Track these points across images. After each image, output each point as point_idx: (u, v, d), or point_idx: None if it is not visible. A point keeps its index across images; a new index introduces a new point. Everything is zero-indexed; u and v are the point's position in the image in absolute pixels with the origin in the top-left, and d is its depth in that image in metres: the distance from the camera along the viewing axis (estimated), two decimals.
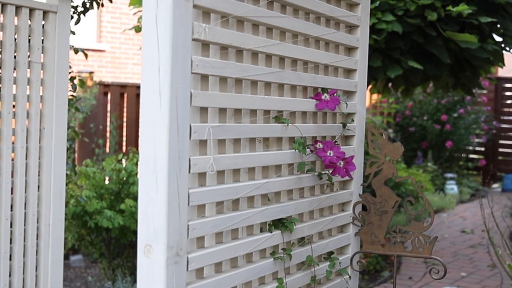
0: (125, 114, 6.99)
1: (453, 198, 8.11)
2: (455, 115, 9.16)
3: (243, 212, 1.96)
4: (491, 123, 9.45)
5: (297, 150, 2.15)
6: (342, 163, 2.22)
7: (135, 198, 4.29)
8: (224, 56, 1.91)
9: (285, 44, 2.11)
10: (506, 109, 9.80)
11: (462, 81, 5.16)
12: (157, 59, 1.65)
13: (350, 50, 2.53)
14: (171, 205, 1.66)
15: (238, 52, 1.96)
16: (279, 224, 2.13)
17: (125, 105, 6.97)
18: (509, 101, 9.77)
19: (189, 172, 1.73)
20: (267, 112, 2.10)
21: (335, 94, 2.29)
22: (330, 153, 2.20)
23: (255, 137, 2.01)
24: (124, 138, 7.02)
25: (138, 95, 7.12)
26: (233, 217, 1.91)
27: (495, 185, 9.79)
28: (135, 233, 4.33)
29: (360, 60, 2.53)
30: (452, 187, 8.67)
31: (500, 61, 4.90)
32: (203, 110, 1.83)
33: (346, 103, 2.40)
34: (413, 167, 8.84)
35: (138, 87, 7.17)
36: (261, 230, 2.09)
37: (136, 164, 4.45)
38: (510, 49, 4.76)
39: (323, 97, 2.28)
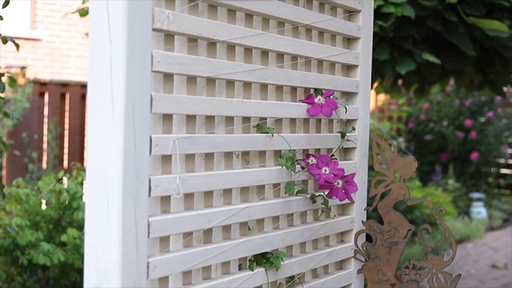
0: (67, 120, 6.98)
1: (480, 224, 8.20)
2: (483, 119, 9.26)
3: (217, 245, 1.98)
4: None
5: (284, 167, 2.18)
6: (340, 182, 2.25)
7: (80, 227, 4.29)
8: (193, 50, 1.93)
9: (268, 34, 2.14)
10: None
11: (490, 77, 5.23)
12: (109, 54, 1.67)
13: (350, 41, 2.56)
14: (127, 237, 1.68)
15: (210, 45, 1.98)
16: (263, 259, 2.15)
17: (67, 108, 6.96)
18: None
19: (149, 195, 1.75)
20: (246, 119, 2.12)
21: (331, 96, 2.33)
22: (325, 170, 2.23)
23: (232, 150, 2.04)
24: (66, 151, 7.01)
25: (83, 96, 7.12)
26: (204, 251, 1.93)
27: None
28: (80, 272, 4.31)
29: (363, 54, 2.57)
30: (479, 211, 8.75)
31: None
32: (167, 117, 1.85)
33: (346, 108, 2.44)
34: (430, 185, 8.92)
35: (83, 85, 7.17)
36: (240, 268, 2.11)
37: (82, 184, 4.44)
38: None
39: (316, 100, 2.31)
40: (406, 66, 4.53)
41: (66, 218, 4.34)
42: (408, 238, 2.53)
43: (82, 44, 10.24)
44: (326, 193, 2.30)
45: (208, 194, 2.00)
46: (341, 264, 2.58)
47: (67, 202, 4.31)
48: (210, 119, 2.00)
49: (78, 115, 6.99)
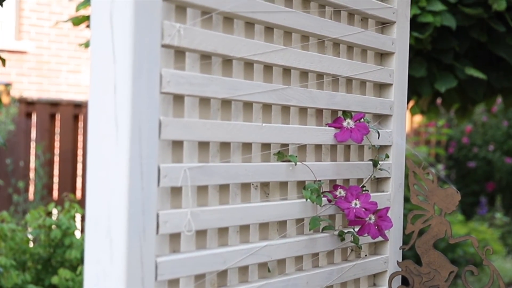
0: (57, 145, 7.05)
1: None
2: None
3: None
4: None
5: (309, 200, 2.21)
6: (373, 217, 2.28)
7: (73, 267, 4.33)
8: (206, 68, 1.98)
9: (291, 49, 2.18)
10: None
11: None
12: (113, 74, 1.72)
13: (382, 56, 2.61)
14: (132, 281, 1.71)
15: (225, 63, 2.03)
16: None
17: (57, 131, 7.03)
18: None
19: (157, 232, 1.79)
20: (266, 146, 2.16)
21: (362, 120, 2.36)
22: (355, 204, 2.26)
23: (250, 181, 2.07)
24: (56, 180, 7.07)
25: (76, 117, 7.19)
26: None
27: None
28: None
29: (398, 70, 2.61)
30: None
31: None
32: (177, 144, 1.89)
33: (378, 132, 2.47)
34: (474, 219, 8.92)
35: (76, 105, 7.25)
36: None
37: (74, 218, 4.49)
38: None
39: (345, 124, 2.35)
40: (447, 83, 4.57)
41: (57, 257, 4.39)
42: (450, 282, 2.55)
43: (75, 58, 10.34)
44: (356, 230, 2.33)
45: (223, 231, 2.04)
46: None
47: (58, 239, 4.36)
48: (225, 146, 2.04)
49: (70, 139, 7.06)
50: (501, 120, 9.42)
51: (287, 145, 2.21)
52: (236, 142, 2.04)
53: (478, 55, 4.82)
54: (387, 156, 2.55)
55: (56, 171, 7.10)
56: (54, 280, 4.17)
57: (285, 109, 2.24)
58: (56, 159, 7.05)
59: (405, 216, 2.69)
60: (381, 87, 2.62)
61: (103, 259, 1.72)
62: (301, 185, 2.28)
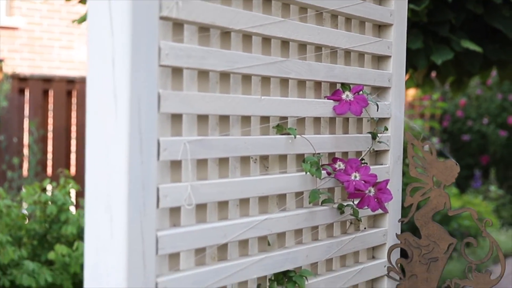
0: (50, 121, 7.03)
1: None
2: None
3: (233, 262, 2.00)
4: None
5: (308, 173, 2.20)
6: (372, 190, 2.28)
7: (69, 243, 4.32)
8: (205, 40, 1.96)
9: (290, 21, 2.16)
10: None
11: None
12: (111, 47, 1.70)
13: (380, 28, 2.59)
14: (133, 255, 1.70)
15: (223, 35, 2.01)
16: (284, 278, 2.17)
17: (50, 107, 7.00)
18: None
19: (158, 206, 1.78)
20: (265, 119, 2.15)
21: (360, 92, 2.35)
22: (355, 177, 2.25)
23: (250, 155, 2.06)
24: (50, 156, 7.05)
25: (69, 93, 7.16)
26: (219, 270, 1.95)
27: None
28: None
29: (396, 43, 2.60)
30: None
31: None
32: (176, 118, 1.88)
33: (377, 105, 2.46)
34: (468, 192, 8.93)
35: (69, 81, 7.21)
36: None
37: (69, 193, 4.48)
38: None
39: (344, 96, 2.33)
40: (443, 55, 4.55)
41: (53, 233, 4.37)
42: (450, 254, 2.56)
43: (67, 33, 10.29)
44: (356, 202, 2.32)
45: (223, 205, 2.03)
46: (372, 283, 2.60)
47: (54, 215, 4.34)
48: (224, 119, 2.02)
49: (64, 115, 7.04)
50: (495, 93, 9.42)
51: (285, 118, 2.20)
52: (235, 115, 2.03)
53: (474, 27, 4.80)
54: (386, 129, 2.54)
55: (50, 148, 7.08)
56: (51, 255, 4.16)
57: (284, 82, 2.22)
58: (50, 135, 7.03)
59: (403, 189, 2.69)
60: (379, 60, 2.60)
61: (103, 234, 1.71)
62: (300, 158, 2.27)
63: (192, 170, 1.91)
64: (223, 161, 2.03)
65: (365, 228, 2.54)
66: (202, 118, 1.96)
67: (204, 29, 1.95)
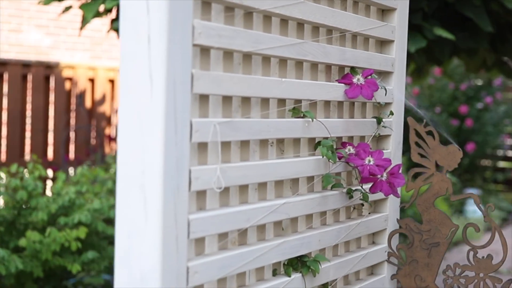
0: (5, 105, 6.89)
1: (477, 224, 8.30)
2: (480, 106, 9.40)
3: (255, 247, 1.97)
4: None
5: (321, 157, 2.18)
6: (384, 175, 2.27)
7: (39, 230, 4.24)
8: (229, 20, 1.92)
9: (307, 3, 2.13)
10: None
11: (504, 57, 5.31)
12: (146, 25, 1.65)
13: (384, 12, 2.58)
14: (167, 239, 1.67)
15: (246, 16, 1.97)
16: (298, 264, 2.15)
17: (5, 91, 6.86)
18: None
19: (189, 189, 1.74)
20: (282, 102, 2.12)
21: (371, 76, 2.34)
22: (369, 161, 2.24)
23: (271, 138, 2.03)
24: (4, 142, 6.92)
25: (24, 77, 7.03)
26: (243, 254, 1.93)
27: None
28: (38, 282, 4.27)
29: (399, 27, 2.59)
30: (475, 209, 8.88)
31: None
32: (203, 99, 1.84)
33: (385, 89, 2.45)
34: (417, 179, 9.01)
35: (24, 65, 7.08)
36: (275, 273, 2.11)
37: (40, 178, 4.39)
38: None
39: (355, 80, 2.32)
40: (416, 43, 4.56)
41: (22, 220, 4.29)
42: (451, 239, 2.56)
43: (16, 16, 10.08)
44: (365, 187, 2.31)
45: (243, 189, 2.00)
46: (372, 269, 2.60)
47: (24, 201, 4.26)
48: (245, 101, 1.99)
49: (19, 99, 6.90)
50: (447, 82, 9.52)
51: (300, 101, 2.17)
52: (258, 97, 2.00)
53: (445, 15, 4.83)
54: (392, 113, 2.53)
55: (3, 133, 6.94)
56: (22, 242, 4.07)
57: (299, 64, 2.20)
58: (4, 120, 6.88)
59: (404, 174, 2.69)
60: (382, 44, 2.59)
61: (137, 217, 1.67)
62: (312, 142, 2.25)
63: (225, 152, 1.88)
64: (244, 144, 2.00)
65: (369, 213, 2.53)
66: (226, 100, 1.92)
67: (229, 9, 1.92)
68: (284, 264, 2.14)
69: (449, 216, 2.56)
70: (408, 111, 2.68)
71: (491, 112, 9.45)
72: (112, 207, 4.30)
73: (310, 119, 2.14)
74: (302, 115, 2.14)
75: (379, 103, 2.49)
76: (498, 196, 9.58)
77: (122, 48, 1.69)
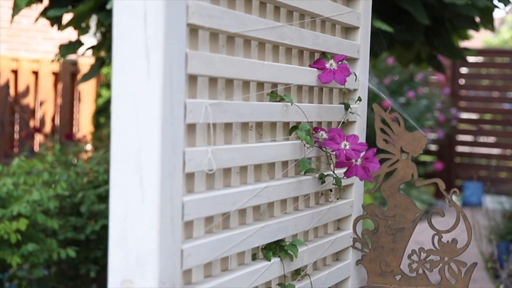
0: None
1: None
2: (402, 100, 9.54)
3: (239, 231, 1.96)
4: (448, 112, 9.91)
5: (297, 142, 2.18)
6: (359, 159, 2.28)
7: None
8: (215, 1, 1.90)
9: None
10: (465, 92, 10.33)
11: (436, 51, 5.40)
12: (142, 1, 1.62)
13: (349, 0, 2.59)
14: (164, 221, 1.64)
15: None
16: (277, 248, 2.15)
17: None
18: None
19: (184, 171, 1.72)
20: (260, 85, 2.11)
21: (343, 62, 2.35)
22: (345, 145, 2.25)
23: (255, 121, 2.02)
24: None
25: None
26: (229, 238, 1.91)
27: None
28: None
29: (364, 14, 2.60)
30: None
31: (490, 23, 5.18)
32: (192, 81, 1.82)
33: (356, 75, 2.46)
34: (382, 165, 9.08)
35: None
36: (254, 258, 2.10)
37: None
38: (506, 5, 5.04)
39: (327, 65, 2.32)
40: None
41: None
42: (416, 224, 2.59)
43: None
44: (344, 172, 2.32)
45: (227, 172, 1.98)
46: (337, 255, 2.61)
47: None
48: (228, 84, 1.97)
49: None
50: (371, 76, 9.61)
51: (276, 85, 2.16)
52: (242, 79, 1.98)
53: (383, 8, 4.88)
54: (360, 99, 2.55)
55: None
56: None
57: (275, 48, 2.19)
58: None
59: None
60: (347, 31, 2.60)
61: (133, 199, 1.64)
62: (287, 126, 2.24)
63: (208, 135, 1.86)
64: (227, 127, 1.98)
65: (337, 199, 2.54)
66: (212, 82, 1.90)
67: None
68: (262, 248, 2.13)
69: (413, 201, 2.58)
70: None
71: (413, 107, 9.59)
72: (52, 198, 4.22)
73: (289, 103, 2.14)
74: (279, 99, 2.14)
75: (348, 89, 2.50)
76: (420, 189, 9.73)
77: (116, 27, 1.65)
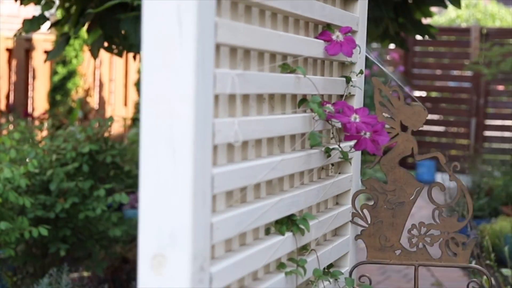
0: None
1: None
2: None
3: (257, 205, 1.93)
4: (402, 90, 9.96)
5: (307, 114, 2.16)
6: (368, 133, 2.26)
7: None
8: None
9: None
10: (417, 71, 10.41)
11: (402, 28, 5.42)
12: None
13: None
14: (197, 193, 1.60)
15: None
16: (289, 222, 2.12)
17: None
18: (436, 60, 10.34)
19: (213, 142, 1.68)
20: (273, 57, 2.08)
21: (349, 33, 2.32)
22: (355, 118, 2.23)
23: (268, 92, 1.99)
24: None
25: None
26: (249, 212, 1.88)
27: None
28: None
29: None
30: None
31: (456, 1, 5.21)
32: (217, 50, 1.77)
33: (359, 47, 2.44)
34: None
35: None
36: (267, 232, 2.07)
37: None
38: None
39: (334, 37, 2.30)
40: None
41: None
42: (416, 198, 2.59)
43: None
44: (352, 145, 2.30)
45: (244, 145, 1.95)
46: (336, 231, 2.60)
47: None
48: (246, 54, 1.94)
49: None
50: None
51: (286, 57, 2.13)
52: (261, 50, 1.95)
53: None
54: (362, 72, 2.53)
55: None
56: None
57: (286, 19, 2.15)
58: None
59: None
60: (346, 3, 2.58)
61: (165, 170, 1.59)
62: (295, 99, 2.21)
63: (231, 106, 1.82)
64: (245, 99, 1.94)
65: (339, 173, 2.52)
66: (233, 52, 1.86)
67: None
68: (275, 223, 2.11)
69: (413, 175, 2.58)
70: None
71: (368, 85, 9.61)
72: (24, 175, 4.13)
73: (301, 75, 2.11)
74: (290, 71, 2.10)
75: (351, 61, 2.48)
76: (375, 167, 9.80)
77: None
